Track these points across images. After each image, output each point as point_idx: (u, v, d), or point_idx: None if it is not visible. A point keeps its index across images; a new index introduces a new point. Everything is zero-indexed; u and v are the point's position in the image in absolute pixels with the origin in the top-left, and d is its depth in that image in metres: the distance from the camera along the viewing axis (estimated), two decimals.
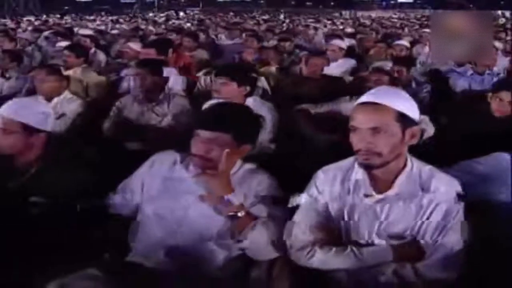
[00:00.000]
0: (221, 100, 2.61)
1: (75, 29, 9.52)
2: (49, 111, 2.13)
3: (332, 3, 47.89)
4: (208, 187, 1.78)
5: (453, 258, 1.60)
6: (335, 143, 2.91)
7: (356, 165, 1.70)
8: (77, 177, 2.02)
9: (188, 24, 13.68)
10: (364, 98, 1.64)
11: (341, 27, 12.05)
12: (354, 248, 1.62)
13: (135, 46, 6.00)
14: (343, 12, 34.70)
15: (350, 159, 1.74)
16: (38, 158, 2.05)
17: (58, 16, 21.19)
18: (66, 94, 3.49)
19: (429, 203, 1.62)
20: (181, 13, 27.98)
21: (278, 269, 1.74)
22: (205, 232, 1.79)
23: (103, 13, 25.77)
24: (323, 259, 1.62)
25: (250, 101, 2.96)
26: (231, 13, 27.88)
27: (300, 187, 1.78)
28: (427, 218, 1.62)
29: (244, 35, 8.19)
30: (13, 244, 1.89)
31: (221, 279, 1.77)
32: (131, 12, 28.86)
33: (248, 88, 2.92)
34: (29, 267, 1.78)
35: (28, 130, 2.01)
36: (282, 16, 24.63)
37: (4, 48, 6.14)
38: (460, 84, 4.26)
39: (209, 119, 1.83)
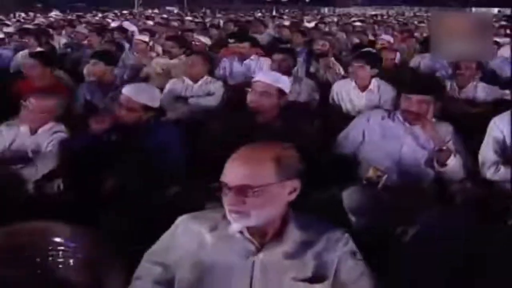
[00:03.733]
0: None
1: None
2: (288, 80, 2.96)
3: (307, 0, 49.08)
4: (415, 132, 2.68)
5: None
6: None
7: None
8: (309, 129, 2.86)
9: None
10: None
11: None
12: None
13: (204, 39, 6.83)
14: (322, 9, 35.79)
15: None
16: (277, 115, 2.87)
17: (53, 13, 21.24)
18: (207, 77, 4.28)
19: None
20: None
21: (467, 184, 2.64)
22: (415, 161, 2.69)
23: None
24: (504, 172, 2.53)
25: (374, 81, 3.85)
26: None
27: None
28: None
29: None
30: None
31: (429, 192, 2.65)
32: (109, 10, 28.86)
33: (376, 70, 3.80)
34: None
35: (280, 93, 2.82)
36: (274, 12, 25.53)
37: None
38: None
39: (421, 87, 2.71)
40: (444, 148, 2.61)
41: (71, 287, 1.72)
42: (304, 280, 1.41)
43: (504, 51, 5.69)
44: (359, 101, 3.88)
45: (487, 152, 2.61)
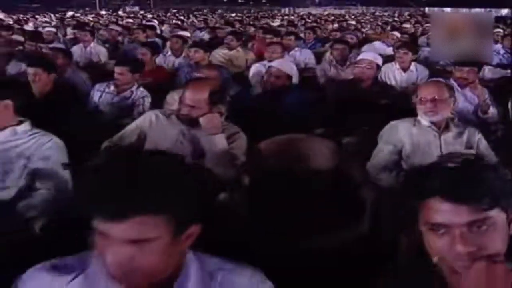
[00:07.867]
0: None
1: None
2: None
3: (264, 1, 50.55)
4: (465, 93, 4.13)
5: None
6: None
7: None
8: (394, 92, 4.25)
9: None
10: None
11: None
12: None
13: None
14: (283, 10, 37.35)
15: None
16: (373, 83, 4.22)
17: None
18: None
19: None
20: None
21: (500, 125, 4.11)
22: (466, 112, 4.12)
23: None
24: None
25: (413, 64, 5.30)
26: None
27: None
28: None
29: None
30: None
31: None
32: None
33: (416, 56, 5.26)
34: None
35: (377, 67, 4.18)
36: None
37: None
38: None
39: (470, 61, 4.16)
40: (486, 102, 4.06)
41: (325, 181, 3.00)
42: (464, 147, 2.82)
43: None
44: (401, 79, 5.31)
45: None
